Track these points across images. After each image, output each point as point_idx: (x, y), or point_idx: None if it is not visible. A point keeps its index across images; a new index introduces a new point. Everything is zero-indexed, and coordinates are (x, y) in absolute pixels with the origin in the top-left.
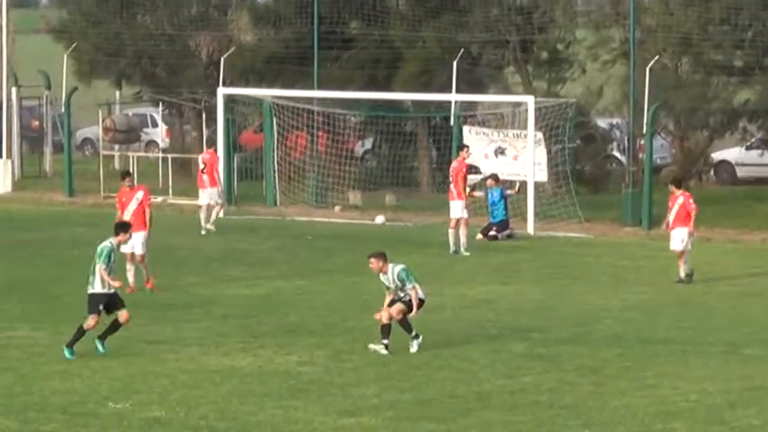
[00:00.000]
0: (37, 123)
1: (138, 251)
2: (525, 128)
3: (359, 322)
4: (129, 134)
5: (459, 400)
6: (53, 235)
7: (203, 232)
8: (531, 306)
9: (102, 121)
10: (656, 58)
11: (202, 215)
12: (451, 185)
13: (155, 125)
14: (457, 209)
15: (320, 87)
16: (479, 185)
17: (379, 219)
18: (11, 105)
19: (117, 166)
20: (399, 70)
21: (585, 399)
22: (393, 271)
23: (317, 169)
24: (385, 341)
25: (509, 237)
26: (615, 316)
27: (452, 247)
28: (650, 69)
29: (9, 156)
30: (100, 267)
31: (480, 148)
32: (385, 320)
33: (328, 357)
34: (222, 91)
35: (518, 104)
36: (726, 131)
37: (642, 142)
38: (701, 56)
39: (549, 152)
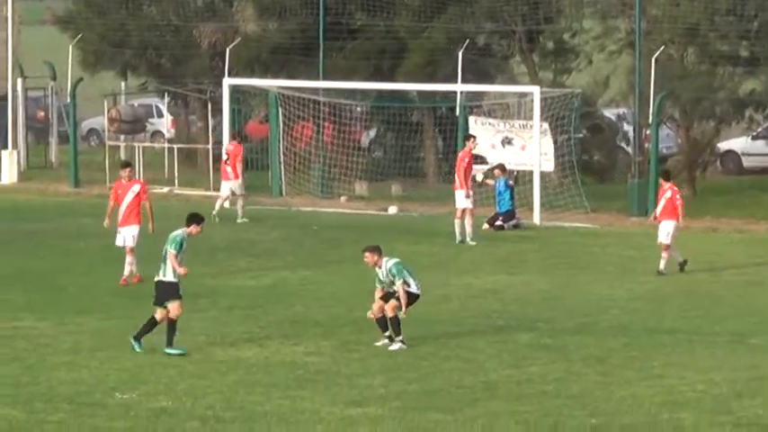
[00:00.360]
0: (42, 114)
1: (129, 243)
2: (531, 118)
3: (365, 313)
4: (134, 125)
5: (466, 390)
6: (58, 225)
7: (216, 220)
8: (538, 296)
9: (108, 111)
10: (662, 48)
11: (218, 204)
12: (455, 175)
13: (160, 116)
14: (461, 199)
15: (326, 78)
16: (489, 175)
17: (393, 209)
18: (16, 96)
19: (122, 156)
20: (405, 60)
21: (592, 389)
22: (386, 265)
23: (322, 160)
24: (387, 334)
25: (515, 227)
26: (621, 306)
27: (458, 237)
28: (656, 60)
29: (15, 146)
30: (171, 254)
31: (487, 139)
32: (377, 314)
33: (335, 348)
34: (228, 81)
35: (524, 95)
36: (732, 121)
37: (648, 132)
38: (707, 46)
39: (555, 142)
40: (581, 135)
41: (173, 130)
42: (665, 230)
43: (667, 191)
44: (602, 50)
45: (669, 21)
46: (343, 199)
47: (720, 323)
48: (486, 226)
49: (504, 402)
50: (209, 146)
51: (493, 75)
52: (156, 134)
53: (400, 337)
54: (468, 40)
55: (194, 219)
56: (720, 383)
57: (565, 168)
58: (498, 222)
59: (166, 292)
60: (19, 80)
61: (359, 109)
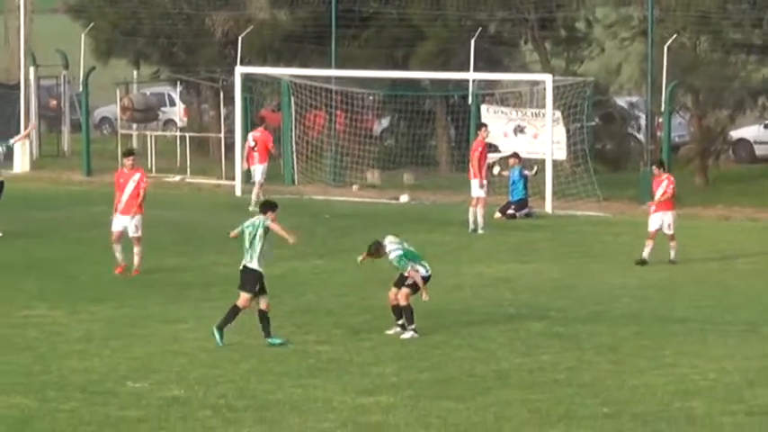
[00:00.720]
0: (55, 103)
1: (131, 233)
2: (543, 106)
3: (377, 301)
4: (146, 113)
5: (478, 378)
6: (71, 214)
7: (251, 208)
8: (550, 285)
9: (120, 100)
10: (675, 36)
11: (255, 190)
12: (470, 164)
13: (172, 104)
14: (476, 187)
15: (338, 66)
16: (502, 164)
17: (404, 198)
18: (29, 85)
19: (135, 144)
20: (418, 49)
21: (604, 377)
22: (390, 257)
23: (334, 148)
24: (399, 322)
25: (527, 215)
26: (633, 294)
27: (471, 225)
28: (669, 48)
29: (27, 136)
30: (271, 226)
31: (499, 127)
32: (391, 301)
33: (346, 336)
34: (240, 70)
35: (536, 83)
36: (744, 110)
37: (660, 121)
38: (720, 34)
39: (567, 131)
40: (593, 123)
41: (185, 119)
42: (667, 221)
43: (664, 180)
44: (614, 38)
45: (682, 9)
46: (355, 187)
47: (732, 312)
48: (498, 215)
49: (515, 391)
50: (222, 134)
51: (505, 63)
52: (169, 123)
53: (412, 326)
54: (480, 28)
55: (270, 206)
56: (732, 372)
57: (577, 157)
58: (510, 211)
59: (253, 280)
60: (31, 69)
61: (371, 97)
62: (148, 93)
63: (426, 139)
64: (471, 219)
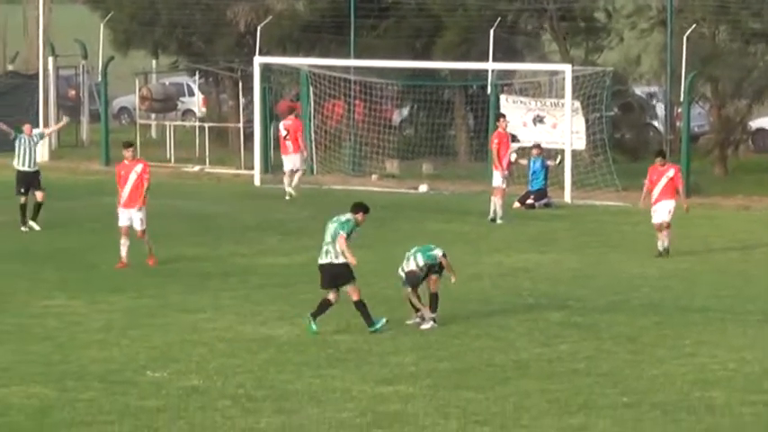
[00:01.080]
0: (74, 93)
1: (138, 227)
2: (562, 96)
3: (396, 291)
4: (165, 103)
5: (497, 368)
6: (89, 204)
7: (287, 197)
8: (569, 274)
9: (139, 90)
10: (694, 26)
11: (286, 180)
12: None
13: (191, 94)
14: (496, 178)
15: (357, 56)
16: (519, 152)
17: (423, 187)
18: (47, 75)
19: (154, 135)
20: (437, 39)
21: (623, 367)
22: (420, 263)
23: (353, 138)
24: (419, 312)
25: (546, 205)
26: (652, 284)
27: (491, 215)
28: (688, 38)
29: (46, 125)
30: (342, 237)
31: (518, 117)
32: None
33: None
34: (259, 60)
35: (555, 73)
36: (763, 99)
37: (680, 111)
38: (739, 24)
39: (586, 121)
40: (612, 113)
41: (204, 109)
42: (667, 209)
43: (669, 170)
44: (633, 28)
45: None
46: (374, 177)
47: (752, 302)
48: (516, 204)
49: (534, 381)
50: (240, 125)
51: (524, 53)
52: (188, 113)
53: (433, 315)
54: (499, 18)
55: (361, 207)
56: (752, 362)
57: (596, 147)
58: (529, 201)
59: (341, 275)
60: (50, 59)
61: (390, 87)
62: (167, 83)
63: (445, 128)
64: (492, 208)
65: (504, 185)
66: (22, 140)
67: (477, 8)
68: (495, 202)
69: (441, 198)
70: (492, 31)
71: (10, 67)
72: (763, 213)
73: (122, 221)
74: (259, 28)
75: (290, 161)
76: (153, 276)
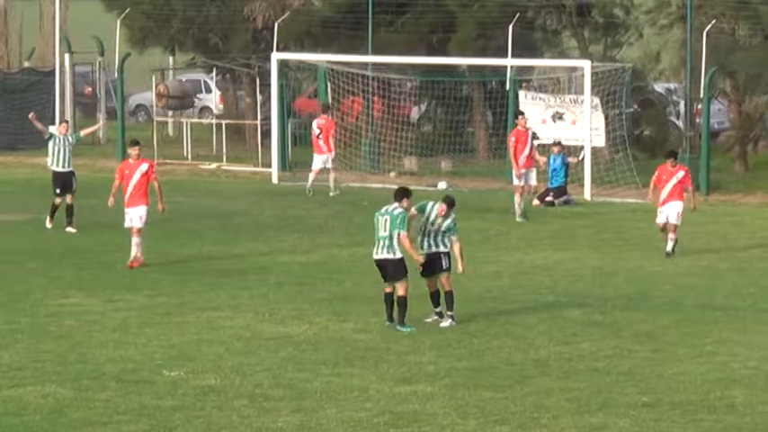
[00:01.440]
0: (90, 90)
1: (137, 224)
2: (582, 93)
3: (415, 289)
4: (182, 100)
5: (516, 367)
6: (106, 202)
7: (308, 193)
8: (588, 272)
9: (156, 87)
10: (714, 22)
11: (311, 177)
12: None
13: (208, 91)
14: (514, 176)
15: (375, 52)
16: (538, 149)
17: (442, 184)
18: (64, 71)
19: (170, 132)
20: (455, 34)
21: (643, 366)
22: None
23: (371, 135)
24: (437, 310)
25: (566, 203)
26: (673, 282)
27: (518, 212)
28: (707, 34)
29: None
30: (403, 236)
31: (537, 113)
32: (431, 288)
33: (384, 325)
34: (276, 56)
35: (574, 69)
36: None
37: (699, 107)
38: (759, 19)
39: (606, 117)
40: (632, 110)
41: (221, 106)
42: (676, 211)
43: (678, 171)
44: (653, 24)
45: None
46: (392, 174)
47: None
48: (536, 202)
49: (554, 380)
50: (258, 121)
51: (543, 49)
52: (205, 110)
53: (451, 313)
54: (518, 14)
55: (404, 193)
56: None
57: (616, 143)
58: (548, 198)
59: (397, 271)
60: (66, 55)
61: (408, 84)
62: (184, 79)
63: (464, 125)
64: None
65: (523, 183)
66: (57, 140)
67: (497, 4)
68: (515, 200)
69: (459, 195)
70: (511, 27)
71: (26, 64)
72: None
73: (127, 223)
74: (276, 24)
75: (321, 160)
76: (170, 274)
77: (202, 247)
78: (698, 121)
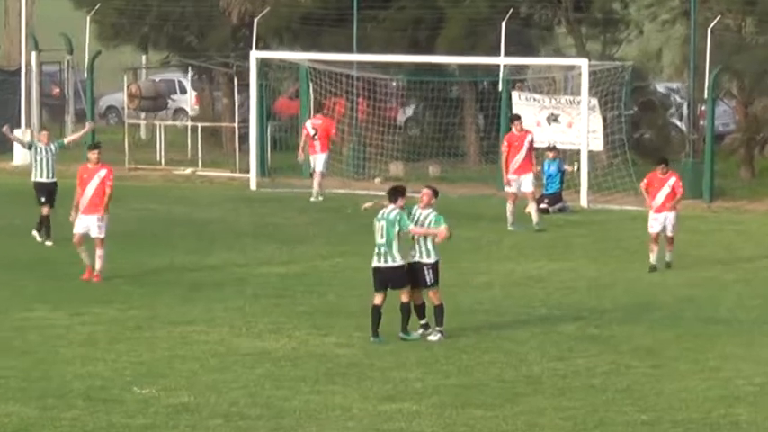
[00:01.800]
0: (58, 90)
1: (96, 234)
2: (578, 93)
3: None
4: (156, 101)
5: (508, 384)
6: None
7: (319, 199)
8: (584, 284)
9: (128, 87)
10: (718, 18)
11: (316, 181)
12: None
13: (183, 92)
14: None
15: (360, 50)
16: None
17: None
18: (30, 71)
19: (143, 135)
20: (444, 31)
21: (642, 382)
22: (429, 217)
23: (356, 138)
24: (422, 322)
25: (561, 210)
26: (674, 294)
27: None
28: (712, 30)
29: (28, 125)
30: (412, 228)
31: (531, 115)
32: (416, 301)
33: (367, 339)
34: (255, 55)
35: (571, 68)
36: None
37: (703, 108)
38: (767, 15)
39: (604, 119)
40: (632, 111)
41: (196, 108)
42: (670, 223)
43: (670, 178)
44: (654, 20)
45: None
46: (377, 180)
47: None
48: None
49: (548, 397)
50: (236, 124)
51: (538, 47)
52: (179, 111)
53: (440, 328)
54: (511, 10)
55: (397, 193)
56: None
57: (614, 147)
58: (543, 205)
59: (400, 277)
60: (33, 54)
61: (394, 84)
62: (158, 79)
63: (453, 128)
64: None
65: (515, 189)
66: (39, 150)
67: None
68: (507, 208)
69: (448, 202)
70: (503, 24)
71: None
72: None
73: (78, 228)
74: (255, 21)
75: (322, 160)
76: (141, 286)
77: (175, 257)
78: (701, 123)
